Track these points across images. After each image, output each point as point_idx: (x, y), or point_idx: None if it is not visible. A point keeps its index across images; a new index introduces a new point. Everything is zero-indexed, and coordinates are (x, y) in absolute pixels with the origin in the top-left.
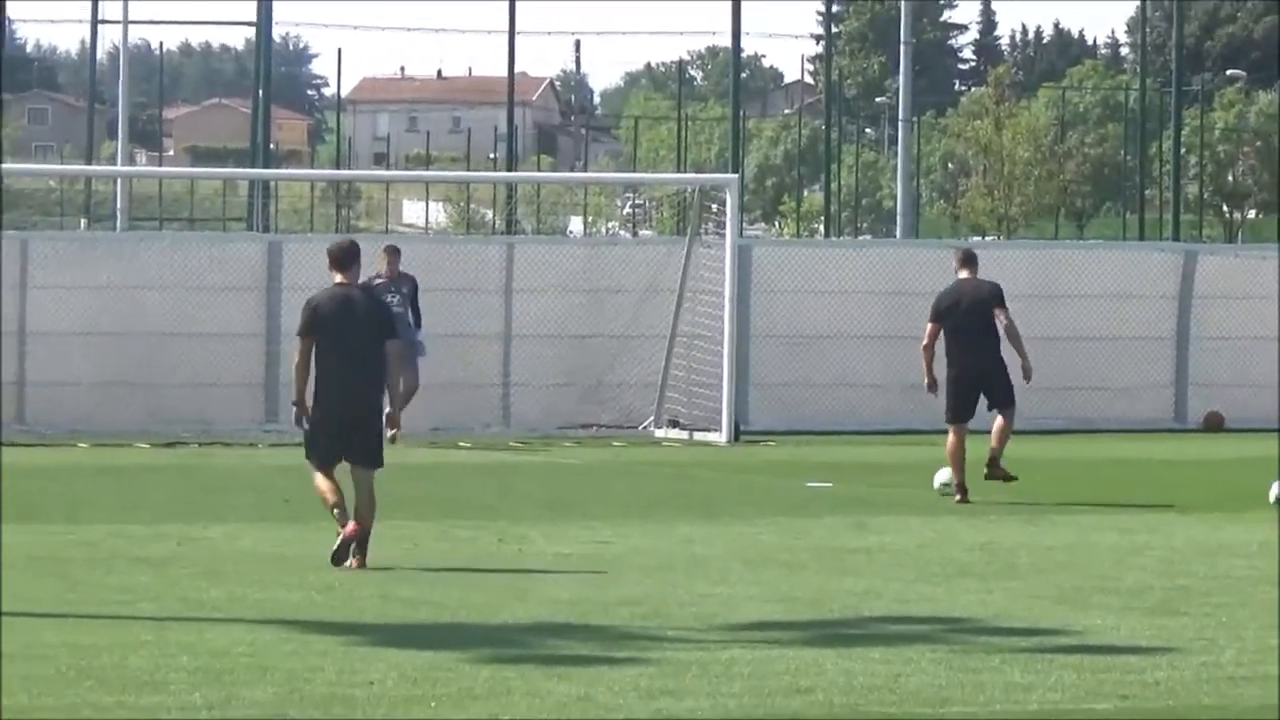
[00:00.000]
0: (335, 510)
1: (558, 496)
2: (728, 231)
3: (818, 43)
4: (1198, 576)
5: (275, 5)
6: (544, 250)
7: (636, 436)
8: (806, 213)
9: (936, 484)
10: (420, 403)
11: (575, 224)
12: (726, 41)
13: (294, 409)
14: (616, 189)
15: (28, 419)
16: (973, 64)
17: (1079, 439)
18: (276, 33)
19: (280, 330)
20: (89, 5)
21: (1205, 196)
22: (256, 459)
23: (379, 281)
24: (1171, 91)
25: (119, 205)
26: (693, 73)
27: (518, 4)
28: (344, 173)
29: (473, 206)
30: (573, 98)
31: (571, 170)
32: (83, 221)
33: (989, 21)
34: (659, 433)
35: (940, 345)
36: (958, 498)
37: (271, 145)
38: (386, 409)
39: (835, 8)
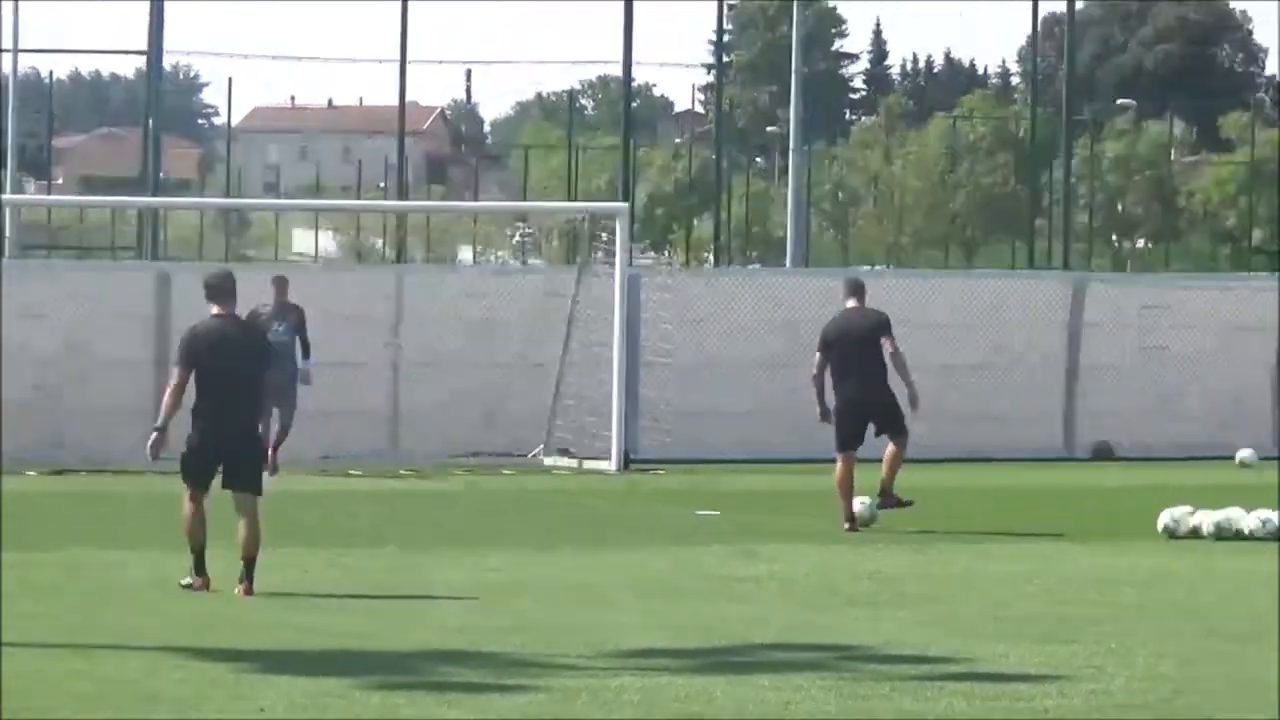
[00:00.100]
0: (193, 558)
1: (447, 524)
2: (617, 260)
3: (708, 72)
4: (1088, 604)
5: (166, 34)
6: (434, 279)
7: (526, 464)
8: (696, 242)
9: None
10: (310, 431)
11: (465, 253)
12: (618, 71)
13: (154, 434)
14: (507, 218)
15: None
16: (864, 93)
17: (968, 468)
18: (167, 61)
19: (170, 358)
20: None
21: (1095, 226)
22: (146, 486)
23: (265, 310)
24: (1062, 121)
25: (7, 233)
26: (583, 102)
27: (409, 34)
28: (234, 201)
29: (363, 235)
30: (463, 127)
31: (462, 199)
32: None
33: (880, 51)
34: (548, 461)
35: (830, 375)
36: (846, 526)
37: (162, 174)
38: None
39: (726, 37)
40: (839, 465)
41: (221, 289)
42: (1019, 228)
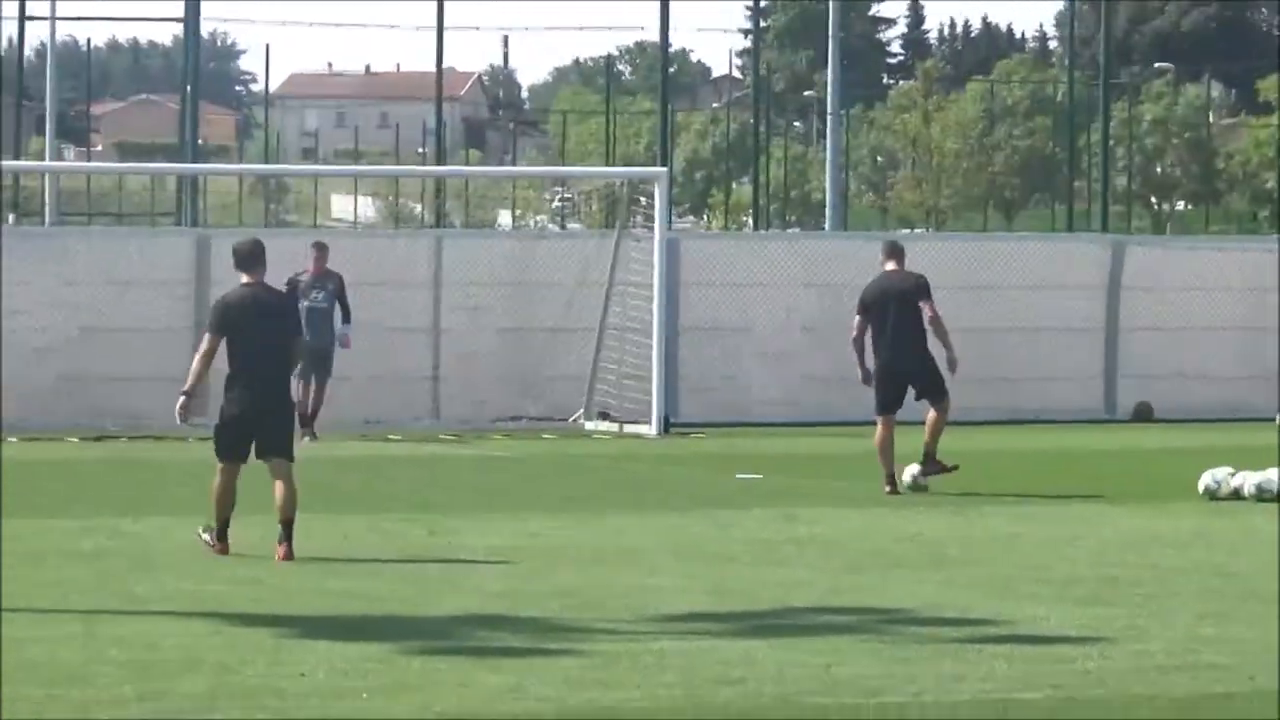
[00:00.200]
0: (216, 523)
1: (488, 489)
2: (656, 225)
3: (746, 37)
4: (1128, 567)
5: (203, 2)
6: (473, 244)
7: (566, 429)
8: (735, 206)
9: None
10: (350, 396)
11: (504, 218)
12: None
13: (182, 398)
14: (545, 183)
15: None
16: (901, 58)
17: (1008, 430)
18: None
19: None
20: (15, 2)
21: (1134, 188)
22: (187, 452)
23: (304, 277)
24: (1100, 84)
25: (47, 200)
26: (621, 67)
27: (446, 0)
28: (272, 167)
29: (401, 201)
30: (501, 93)
31: (500, 165)
32: (10, 217)
33: (917, 16)
34: (589, 425)
35: (869, 337)
36: (887, 489)
37: (200, 140)
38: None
39: (764, 2)
40: (879, 428)
41: (250, 257)
42: (1058, 190)
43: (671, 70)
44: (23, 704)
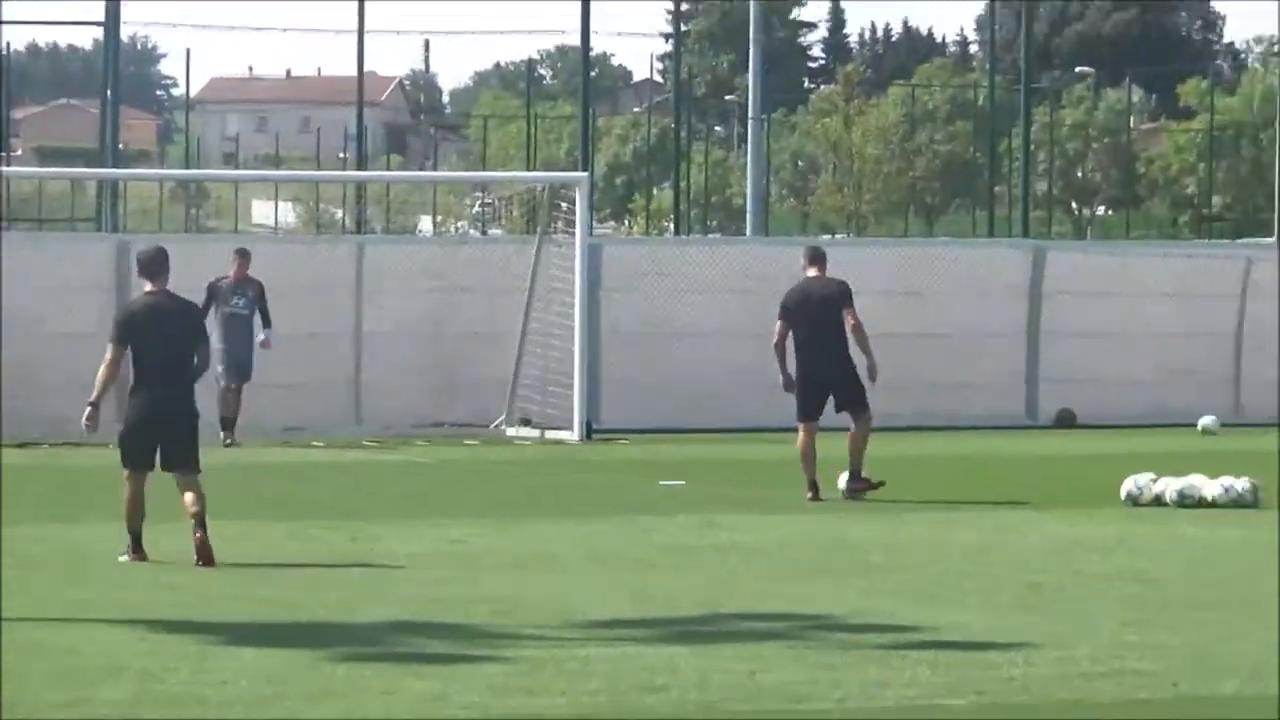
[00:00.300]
0: (129, 534)
1: (411, 495)
2: (578, 230)
3: (667, 41)
4: (1052, 573)
5: (123, 5)
6: (394, 250)
7: (489, 435)
8: (656, 211)
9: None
10: (272, 403)
11: (425, 223)
12: (576, 40)
13: (88, 408)
14: (466, 188)
15: None
16: (822, 62)
17: (931, 436)
18: (125, 33)
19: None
20: None
21: (1055, 193)
22: (108, 458)
23: (225, 282)
24: (1020, 89)
25: None
26: (542, 71)
27: (366, 4)
28: (193, 172)
29: (322, 206)
30: (422, 97)
31: (421, 170)
32: None
33: (838, 20)
34: (511, 431)
35: (791, 342)
36: (810, 495)
37: (120, 145)
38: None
39: (684, 6)
40: (801, 434)
41: (154, 265)
42: (979, 195)
43: (593, 74)
44: None
